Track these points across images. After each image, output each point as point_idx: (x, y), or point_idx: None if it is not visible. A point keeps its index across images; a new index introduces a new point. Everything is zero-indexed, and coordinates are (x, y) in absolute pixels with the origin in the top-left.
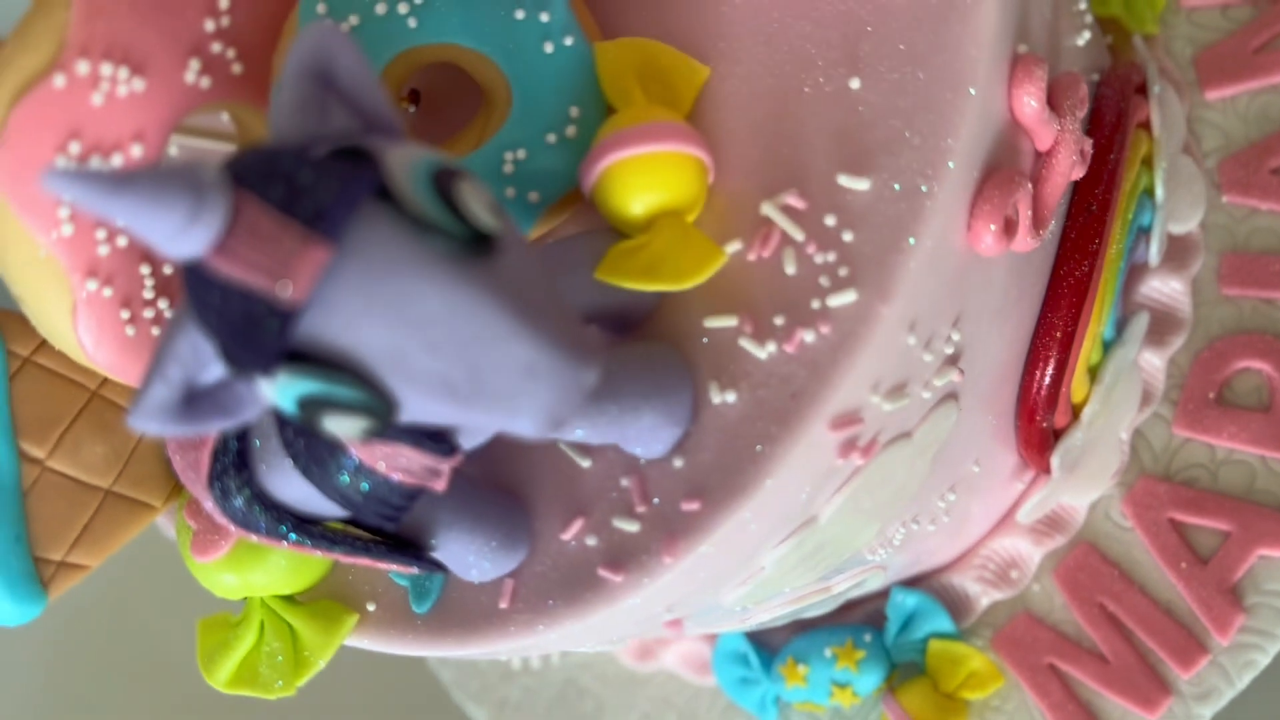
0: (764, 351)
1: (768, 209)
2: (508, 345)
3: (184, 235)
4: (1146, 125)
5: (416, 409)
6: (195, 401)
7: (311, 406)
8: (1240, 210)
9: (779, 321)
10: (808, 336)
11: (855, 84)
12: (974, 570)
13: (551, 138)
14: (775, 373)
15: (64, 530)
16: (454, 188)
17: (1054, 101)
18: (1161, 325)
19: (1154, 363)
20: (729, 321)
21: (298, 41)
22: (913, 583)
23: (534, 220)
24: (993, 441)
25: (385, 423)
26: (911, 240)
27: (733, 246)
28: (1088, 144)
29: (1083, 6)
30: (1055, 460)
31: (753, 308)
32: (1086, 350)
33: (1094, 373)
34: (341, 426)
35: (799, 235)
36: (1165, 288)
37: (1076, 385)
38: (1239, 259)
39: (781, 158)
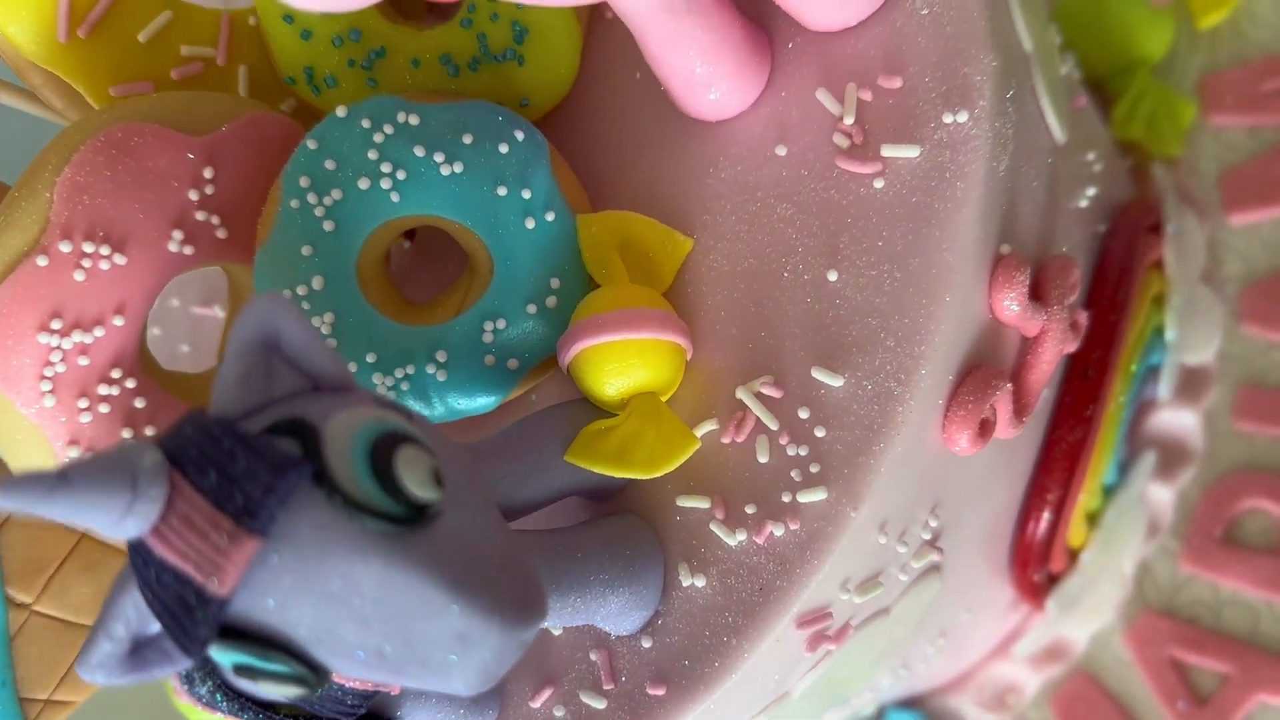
0: (734, 539)
1: (743, 394)
2: (440, 618)
3: (121, 525)
4: (1160, 263)
5: (349, 672)
6: (142, 650)
7: (246, 672)
8: (1259, 342)
9: (750, 510)
10: (777, 530)
11: (833, 276)
12: (970, 693)
13: (532, 308)
14: (744, 563)
15: (50, 670)
16: (393, 462)
17: (1042, 290)
18: (1171, 457)
19: (1163, 495)
20: (702, 503)
21: (244, 315)
22: (908, 702)
23: (512, 386)
24: (986, 587)
25: (315, 689)
26: (881, 445)
27: (708, 426)
28: (1083, 316)
29: (1091, 157)
30: (1052, 603)
31: (725, 492)
32: (1084, 501)
33: (1094, 518)
34: (275, 692)
35: (773, 424)
36: (1176, 419)
37: (1074, 531)
38: (1255, 393)
39: (760, 341)
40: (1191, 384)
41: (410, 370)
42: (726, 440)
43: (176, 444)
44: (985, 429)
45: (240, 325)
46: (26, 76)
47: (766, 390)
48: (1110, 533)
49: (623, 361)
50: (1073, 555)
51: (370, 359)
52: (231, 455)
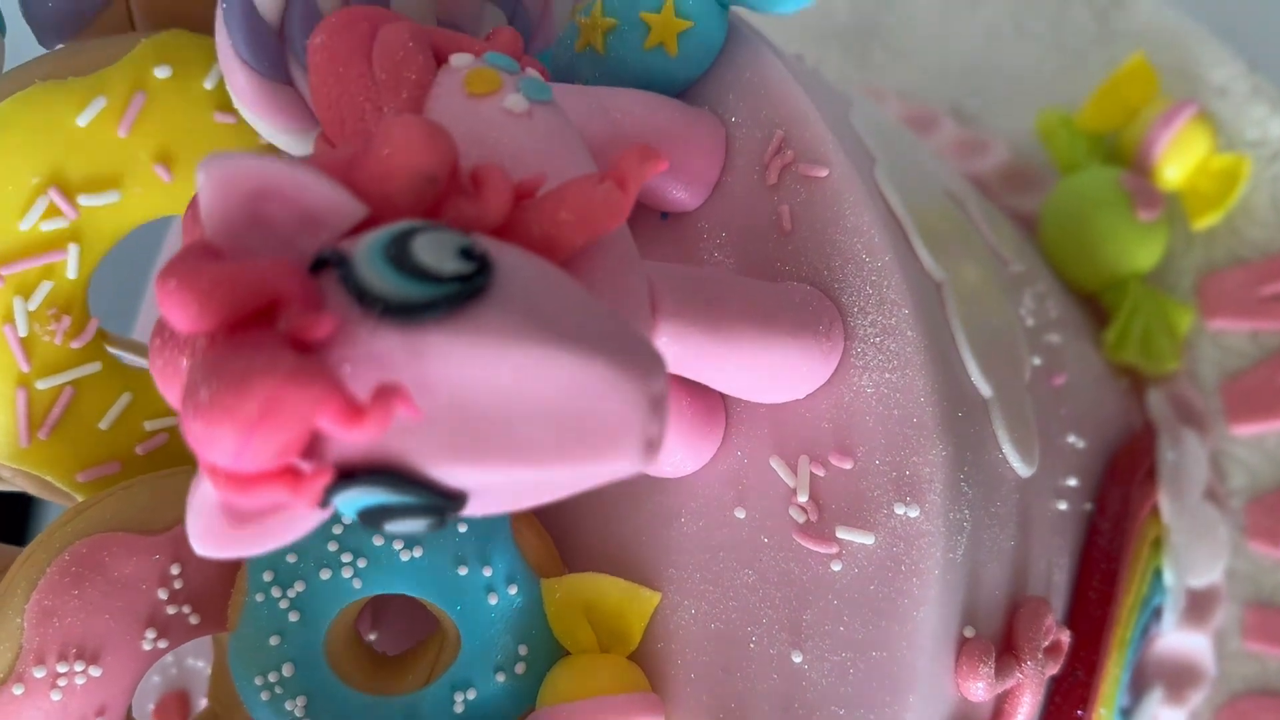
0: None
1: None
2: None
3: None
4: (1156, 508)
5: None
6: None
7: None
8: (1267, 560)
9: None
10: None
11: (798, 659)
12: None
13: (501, 676)
14: None
15: None
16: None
17: (1014, 642)
18: (1180, 679)
19: (1175, 719)
20: None
21: None
22: None
23: None
24: None
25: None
26: None
27: None
28: (1066, 636)
29: (1070, 439)
30: None
31: None
32: None
33: None
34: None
35: None
36: (1185, 641)
37: None
38: (1264, 613)
39: (730, 713)
40: (1199, 605)
41: None
42: None
43: None
44: None
45: None
46: None
47: None
48: None
49: None
50: None
51: None
52: None
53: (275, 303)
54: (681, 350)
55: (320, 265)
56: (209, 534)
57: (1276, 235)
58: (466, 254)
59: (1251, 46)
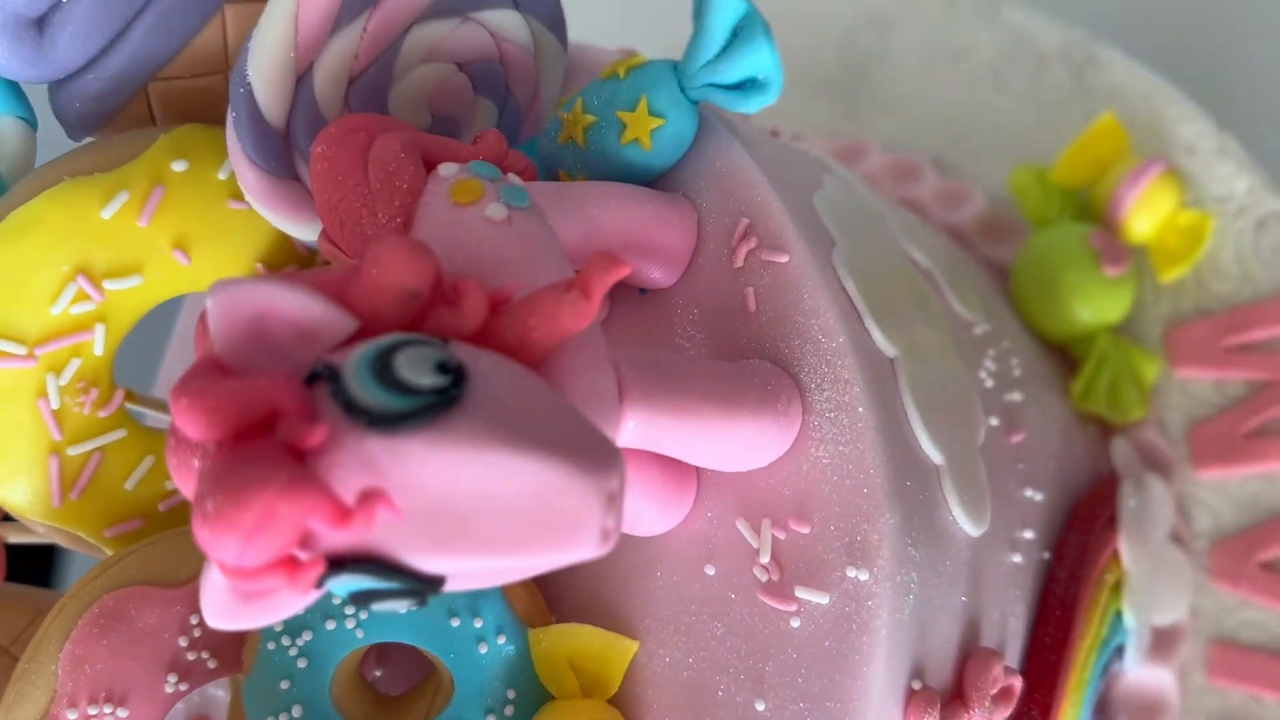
0: None
1: None
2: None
3: None
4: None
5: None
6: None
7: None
8: (1230, 600)
9: None
10: None
11: (760, 707)
12: None
13: (491, 718)
14: None
15: None
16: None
17: (963, 690)
18: (1145, 712)
19: None
20: None
21: None
22: None
23: None
24: None
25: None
26: None
27: None
28: (1017, 682)
29: (1028, 494)
30: None
31: None
32: None
33: None
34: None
35: None
36: (1150, 677)
37: None
38: (1227, 651)
39: None
40: (1163, 642)
41: None
42: None
43: None
44: None
45: None
46: (31, 524)
47: None
48: None
49: None
50: None
51: None
52: None
53: (272, 413)
54: (649, 432)
55: (314, 378)
56: (220, 610)
57: (1240, 288)
58: (443, 368)
59: (1219, 105)
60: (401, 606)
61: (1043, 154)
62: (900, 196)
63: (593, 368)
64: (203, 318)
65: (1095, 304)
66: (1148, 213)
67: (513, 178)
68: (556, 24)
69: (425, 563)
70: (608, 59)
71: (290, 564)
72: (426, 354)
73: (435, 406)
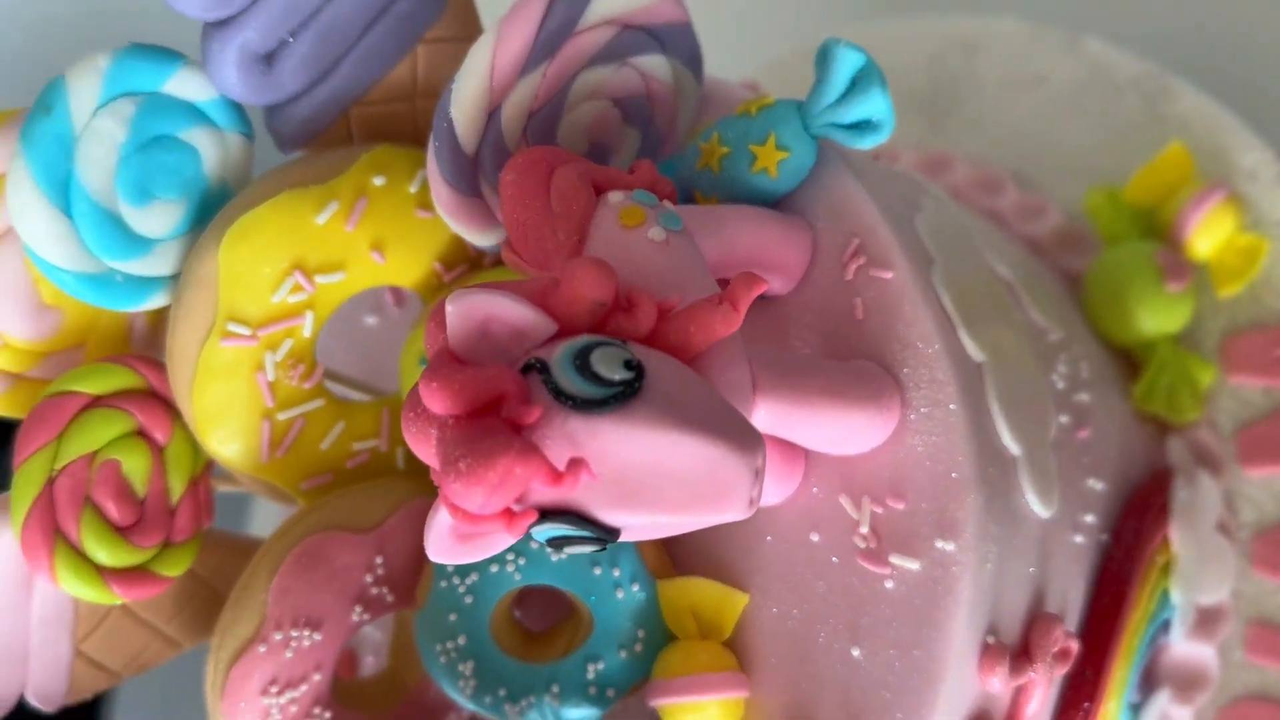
0: None
1: None
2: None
3: None
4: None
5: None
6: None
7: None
8: (1269, 584)
9: None
10: None
11: (856, 653)
12: None
13: (623, 653)
14: None
15: None
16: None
17: (1029, 648)
18: (1188, 682)
19: (1181, 716)
20: None
21: None
22: None
23: (609, 707)
24: None
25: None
26: None
27: None
28: (1074, 644)
29: (1090, 483)
30: None
31: None
32: None
33: None
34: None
35: None
36: (1193, 651)
37: None
38: (1264, 631)
39: (802, 692)
40: (1206, 620)
41: (532, 699)
42: None
43: None
44: None
45: None
46: (238, 477)
47: None
48: None
49: (697, 713)
50: None
51: (502, 693)
52: None
53: (499, 396)
54: (773, 419)
55: (528, 369)
56: (441, 547)
57: None
58: (628, 365)
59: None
60: (588, 549)
61: (1113, 175)
62: (984, 208)
63: (734, 365)
64: (434, 316)
65: (1158, 315)
66: (1209, 234)
67: (668, 204)
68: (695, 65)
69: (610, 516)
70: (731, 92)
71: (509, 514)
72: (615, 353)
73: (623, 395)
